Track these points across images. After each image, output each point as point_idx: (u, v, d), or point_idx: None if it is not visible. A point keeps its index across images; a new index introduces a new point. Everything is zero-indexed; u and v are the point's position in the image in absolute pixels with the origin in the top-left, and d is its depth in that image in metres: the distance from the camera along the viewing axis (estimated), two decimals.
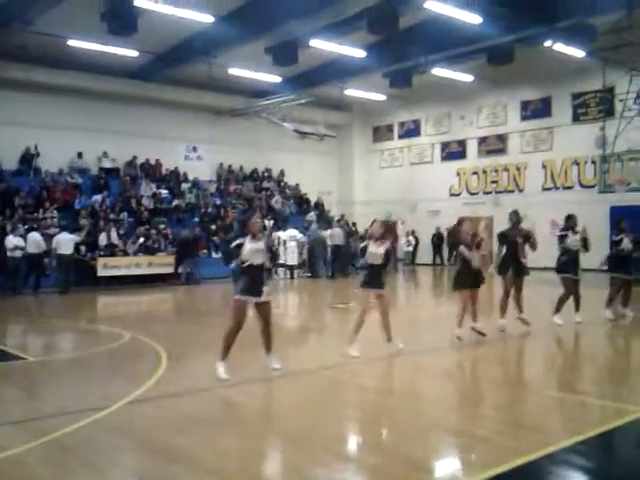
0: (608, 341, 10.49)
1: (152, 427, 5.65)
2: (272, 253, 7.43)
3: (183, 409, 6.19)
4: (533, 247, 10.42)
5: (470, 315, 9.59)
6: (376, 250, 8.38)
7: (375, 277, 8.44)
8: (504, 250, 10.50)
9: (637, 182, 20.15)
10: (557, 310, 10.82)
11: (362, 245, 8.48)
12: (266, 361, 7.42)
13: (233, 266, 7.20)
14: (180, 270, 20.43)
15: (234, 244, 7.16)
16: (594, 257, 11.93)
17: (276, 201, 26.61)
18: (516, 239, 10.33)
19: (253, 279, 7.08)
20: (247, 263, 7.06)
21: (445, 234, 27.16)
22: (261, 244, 7.13)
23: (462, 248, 9.45)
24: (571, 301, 10.95)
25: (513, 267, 10.29)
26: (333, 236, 22.83)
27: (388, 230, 8.86)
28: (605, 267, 11.97)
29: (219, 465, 4.76)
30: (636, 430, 5.60)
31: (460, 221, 9.88)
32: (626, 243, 11.42)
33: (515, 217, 10.61)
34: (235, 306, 7.09)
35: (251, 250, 7.05)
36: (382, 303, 8.51)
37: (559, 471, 4.61)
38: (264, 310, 7.24)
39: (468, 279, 9.41)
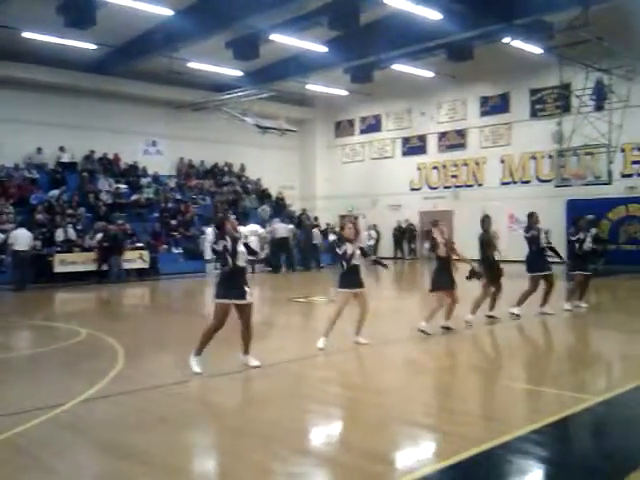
0: (565, 333, 10.69)
1: (107, 425, 5.57)
2: (249, 249, 7.30)
3: (140, 406, 6.12)
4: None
5: (445, 313, 9.71)
6: (354, 251, 8.55)
7: (355, 277, 8.58)
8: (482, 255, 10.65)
9: (593, 176, 20.55)
10: (519, 303, 11.03)
11: (342, 251, 8.53)
12: (244, 360, 7.39)
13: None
14: (107, 267, 19.55)
15: (220, 248, 7.04)
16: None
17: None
18: (491, 243, 10.52)
19: (236, 281, 7.06)
20: (233, 265, 7.01)
21: (406, 228, 27.45)
22: (242, 246, 7.09)
23: (442, 248, 9.55)
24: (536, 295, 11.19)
25: (495, 269, 10.51)
26: (276, 230, 22.87)
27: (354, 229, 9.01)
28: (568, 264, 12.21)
29: (176, 462, 4.70)
30: (589, 418, 5.72)
31: (435, 222, 9.99)
32: (587, 243, 11.71)
33: (487, 222, 10.69)
34: (218, 309, 7.06)
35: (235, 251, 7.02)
36: (363, 300, 8.65)
37: (514, 459, 4.68)
38: (246, 311, 7.21)
39: (447, 279, 9.52)
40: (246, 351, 7.40)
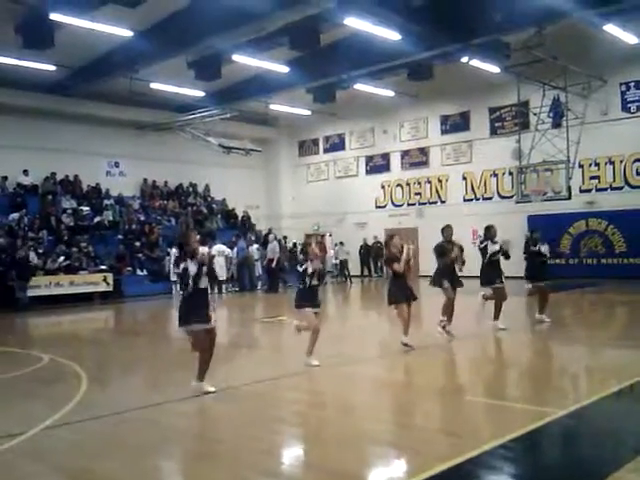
0: (528, 347, 10.79)
1: (70, 452, 5.45)
2: (209, 270, 7.05)
3: (103, 432, 6.01)
4: (462, 264, 10.69)
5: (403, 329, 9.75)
6: (315, 269, 8.51)
7: (315, 296, 8.57)
8: (440, 263, 10.75)
9: (552, 192, 20.96)
10: (496, 317, 11.14)
11: (302, 268, 8.51)
12: (197, 387, 7.13)
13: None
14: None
15: (180, 270, 6.88)
16: (514, 265, 12.31)
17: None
18: (452, 253, 10.59)
19: (200, 304, 6.90)
20: (193, 287, 6.84)
21: (373, 246, 27.54)
22: (205, 267, 6.89)
23: (396, 265, 9.58)
24: (492, 308, 11.28)
25: (449, 279, 10.57)
26: (269, 251, 22.96)
27: (321, 248, 9.01)
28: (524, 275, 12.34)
29: None
30: (553, 431, 5.78)
31: (391, 236, 10.06)
32: (545, 250, 11.89)
33: (448, 231, 10.82)
34: (195, 337, 6.93)
35: (197, 273, 6.82)
36: (318, 320, 8.62)
37: (482, 475, 4.70)
38: (209, 336, 7.03)
39: (403, 293, 9.57)
40: (201, 377, 7.11)
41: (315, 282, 8.55)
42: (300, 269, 8.58)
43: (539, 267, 11.96)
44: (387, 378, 8.42)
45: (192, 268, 6.81)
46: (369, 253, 27.90)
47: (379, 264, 27.59)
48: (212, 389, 7.09)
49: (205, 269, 6.90)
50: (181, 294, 6.96)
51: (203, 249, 7.15)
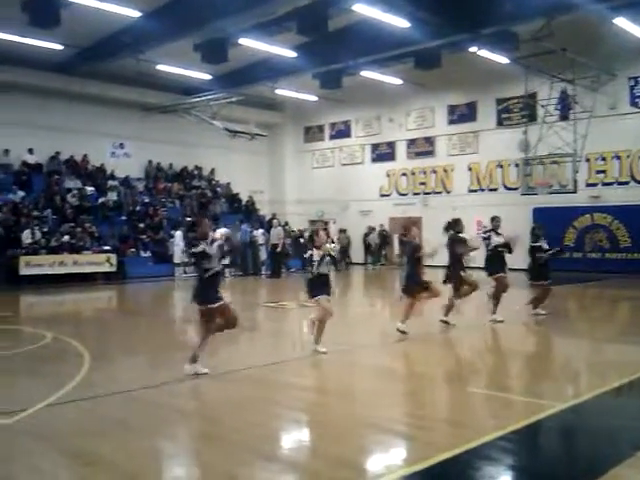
0: (530, 340, 10.80)
1: (70, 430, 5.48)
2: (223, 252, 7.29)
3: (104, 412, 6.03)
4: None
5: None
6: (321, 257, 8.41)
7: (326, 284, 8.51)
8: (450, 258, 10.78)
9: (558, 185, 20.87)
10: (494, 309, 11.10)
11: (308, 255, 8.45)
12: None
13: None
14: None
15: (198, 251, 7.01)
16: (519, 257, 12.26)
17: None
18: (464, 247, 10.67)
19: (215, 285, 7.13)
20: (212, 271, 7.06)
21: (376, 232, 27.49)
22: (214, 249, 7.07)
23: (423, 251, 9.69)
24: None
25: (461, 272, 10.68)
26: (273, 236, 23.02)
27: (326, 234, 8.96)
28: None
29: (137, 468, 4.64)
30: (554, 425, 5.78)
31: (408, 226, 10.12)
32: (545, 246, 11.77)
33: (460, 224, 10.84)
34: (203, 315, 7.12)
35: (214, 256, 7.04)
36: (327, 307, 8.56)
37: (481, 465, 4.71)
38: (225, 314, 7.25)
39: (420, 284, 9.63)
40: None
41: (325, 270, 8.43)
42: (306, 256, 8.53)
43: (540, 266, 11.76)
44: (389, 366, 8.43)
45: (209, 251, 7.01)
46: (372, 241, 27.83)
47: (383, 252, 27.47)
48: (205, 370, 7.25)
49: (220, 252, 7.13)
50: (207, 275, 7.07)
51: (220, 231, 7.27)
